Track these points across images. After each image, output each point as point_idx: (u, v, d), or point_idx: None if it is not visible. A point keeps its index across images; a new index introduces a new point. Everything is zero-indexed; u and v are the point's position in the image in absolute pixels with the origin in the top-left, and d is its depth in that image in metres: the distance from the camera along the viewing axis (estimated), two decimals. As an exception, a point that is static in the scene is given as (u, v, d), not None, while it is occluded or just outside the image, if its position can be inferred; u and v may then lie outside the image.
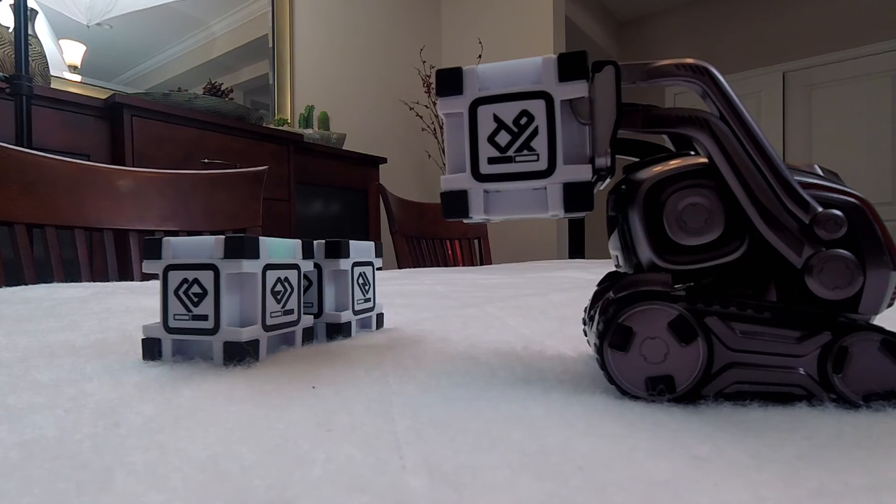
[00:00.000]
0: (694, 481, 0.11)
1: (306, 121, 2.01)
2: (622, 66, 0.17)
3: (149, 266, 0.23)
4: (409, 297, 0.51)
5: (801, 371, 0.15)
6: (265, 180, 0.97)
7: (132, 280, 0.80)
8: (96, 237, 0.80)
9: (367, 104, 2.66)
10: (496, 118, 0.18)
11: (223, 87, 1.73)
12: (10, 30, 1.27)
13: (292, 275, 0.25)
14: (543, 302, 0.44)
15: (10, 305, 0.41)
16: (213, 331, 0.22)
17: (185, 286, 0.22)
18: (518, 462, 0.12)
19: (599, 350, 0.17)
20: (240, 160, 1.58)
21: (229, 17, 2.07)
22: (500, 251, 2.63)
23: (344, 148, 2.10)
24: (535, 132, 0.18)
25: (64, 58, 1.60)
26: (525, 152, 0.18)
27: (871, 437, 0.13)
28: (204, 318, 0.22)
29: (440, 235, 1.56)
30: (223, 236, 0.22)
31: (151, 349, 0.23)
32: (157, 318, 0.23)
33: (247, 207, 0.95)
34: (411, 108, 2.80)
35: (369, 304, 0.31)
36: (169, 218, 0.86)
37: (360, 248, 0.30)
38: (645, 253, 0.17)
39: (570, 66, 0.17)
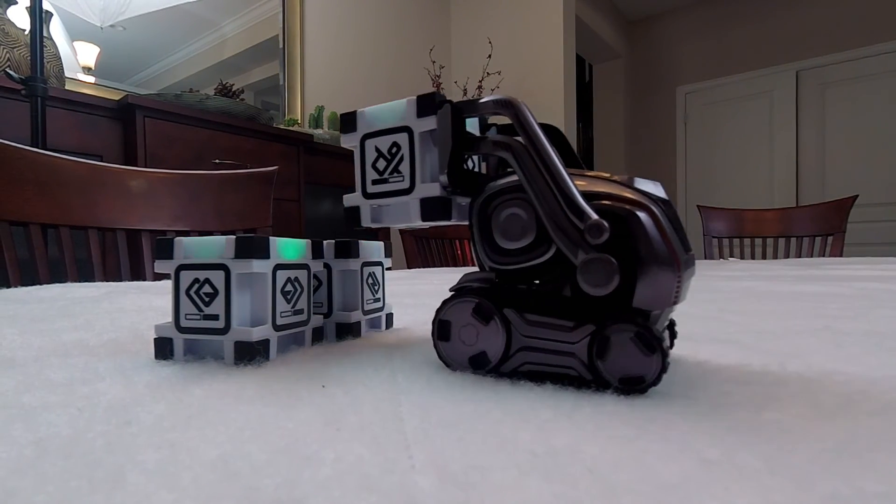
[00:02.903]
0: (704, 485, 0.11)
1: (316, 121, 2.02)
2: (458, 104, 0.21)
3: (161, 266, 0.23)
4: (419, 296, 0.51)
5: (575, 355, 0.18)
6: (275, 180, 0.98)
7: (144, 280, 0.81)
8: (109, 237, 0.81)
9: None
10: (377, 149, 0.23)
11: (234, 88, 1.75)
12: (26, 32, 1.30)
13: (302, 275, 0.25)
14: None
15: (25, 305, 0.41)
16: (224, 330, 0.22)
17: (197, 286, 0.23)
18: (527, 463, 0.12)
19: (434, 342, 0.21)
20: (250, 160, 1.60)
21: (240, 18, 2.08)
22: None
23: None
24: (402, 158, 0.22)
25: (78, 59, 1.63)
26: (395, 174, 0.22)
27: (886, 441, 0.13)
28: (215, 317, 0.22)
29: (449, 235, 1.56)
30: (234, 236, 0.22)
31: (163, 348, 0.23)
32: (169, 318, 0.23)
33: (257, 207, 0.96)
34: (420, 109, 2.80)
35: (379, 304, 0.31)
36: (180, 218, 0.87)
37: (370, 248, 0.30)
38: (481, 255, 0.21)
39: (424, 104, 0.22)
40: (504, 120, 0.21)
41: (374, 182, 0.23)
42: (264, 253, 0.22)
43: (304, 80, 2.27)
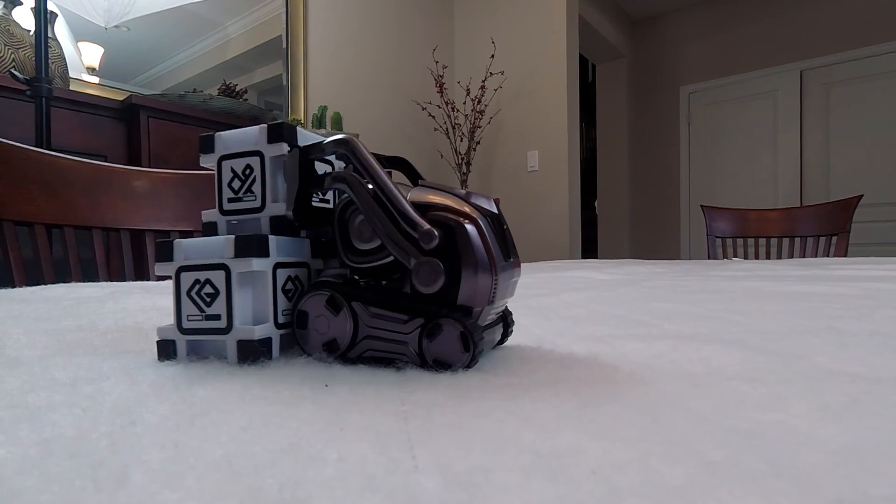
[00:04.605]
0: (708, 488, 0.11)
1: (319, 121, 2.02)
2: (304, 147, 0.24)
3: (161, 269, 0.23)
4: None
5: (407, 344, 0.21)
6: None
7: (148, 279, 0.81)
8: (113, 237, 0.81)
9: (380, 104, 2.67)
10: (232, 170, 0.25)
11: (237, 88, 1.75)
12: (31, 33, 1.30)
13: (302, 273, 0.25)
14: (555, 301, 0.44)
15: (30, 304, 0.42)
16: (226, 330, 0.22)
17: (198, 287, 0.23)
18: (531, 464, 0.12)
19: (293, 330, 0.23)
20: (253, 160, 1.60)
21: (243, 18, 2.09)
22: (510, 251, 2.61)
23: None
24: (254, 179, 0.25)
25: (82, 60, 1.63)
26: (249, 194, 0.25)
27: (891, 444, 0.13)
28: (217, 317, 0.22)
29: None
30: (233, 236, 0.22)
31: (166, 350, 0.23)
32: (172, 319, 0.23)
33: (259, 207, 0.96)
34: (423, 108, 2.80)
35: None
36: (184, 218, 0.87)
37: None
38: (340, 253, 0.23)
39: (274, 133, 0.25)
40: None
41: (230, 200, 0.26)
42: (263, 251, 0.22)
43: (308, 81, 2.28)
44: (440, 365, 0.20)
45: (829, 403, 0.16)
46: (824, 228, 1.49)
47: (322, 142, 0.23)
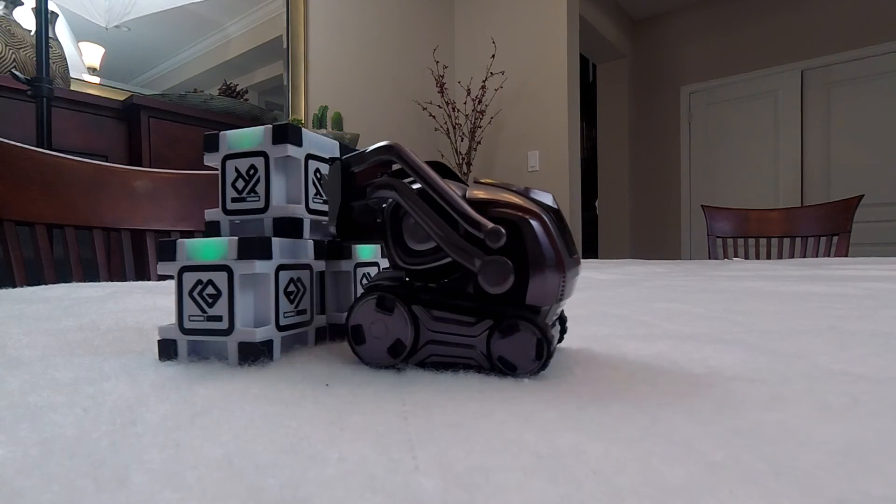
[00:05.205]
0: (709, 488, 0.11)
1: (320, 121, 2.03)
2: (346, 159, 0.22)
3: (163, 268, 0.23)
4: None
5: (475, 348, 0.20)
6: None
7: (149, 280, 0.81)
8: (114, 237, 0.81)
9: (381, 104, 2.67)
10: (236, 169, 0.25)
11: (238, 89, 1.76)
12: (32, 33, 1.30)
13: (305, 275, 0.25)
14: (555, 303, 0.44)
15: (31, 304, 0.42)
16: (228, 331, 0.22)
17: (200, 287, 0.23)
18: (531, 464, 0.12)
19: (351, 347, 0.22)
20: (253, 161, 1.60)
21: (244, 18, 2.09)
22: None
23: (357, 148, 2.11)
24: (258, 180, 0.25)
25: (83, 60, 1.63)
26: (252, 194, 0.25)
27: (892, 444, 0.13)
28: (218, 318, 0.22)
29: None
30: (236, 237, 0.22)
31: (167, 349, 0.23)
32: (173, 318, 0.23)
33: (260, 207, 0.96)
34: (424, 108, 2.80)
35: None
36: (185, 218, 0.87)
37: (364, 250, 0.30)
38: (393, 255, 0.22)
39: (279, 133, 0.24)
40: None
41: (234, 200, 0.25)
42: (266, 253, 0.22)
43: (308, 81, 2.28)
44: (507, 367, 0.20)
45: (831, 403, 0.16)
46: (825, 228, 1.49)
47: (364, 151, 0.22)
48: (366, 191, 0.22)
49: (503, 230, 0.19)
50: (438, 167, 0.26)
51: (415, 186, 0.21)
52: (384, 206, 0.23)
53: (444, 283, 0.21)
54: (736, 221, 1.63)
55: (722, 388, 0.18)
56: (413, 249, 0.22)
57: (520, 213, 0.20)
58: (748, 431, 0.14)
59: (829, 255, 1.44)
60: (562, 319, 0.24)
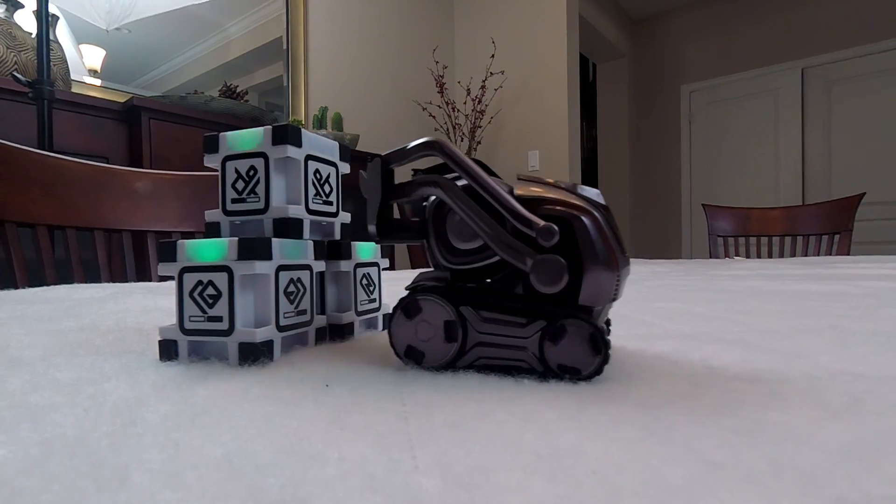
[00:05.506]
0: (709, 487, 0.11)
1: (320, 122, 2.03)
2: (386, 156, 0.22)
3: (164, 269, 0.24)
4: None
5: (527, 349, 0.19)
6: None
7: (150, 281, 0.81)
8: (115, 238, 0.81)
9: (381, 105, 2.67)
10: (236, 170, 0.25)
11: (238, 90, 1.76)
12: (33, 35, 1.31)
13: (304, 275, 0.25)
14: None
15: (32, 305, 0.42)
16: (228, 332, 0.22)
17: (200, 288, 0.23)
18: (531, 464, 0.12)
19: (389, 325, 0.21)
20: (254, 161, 1.60)
21: (244, 19, 2.09)
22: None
23: (357, 149, 2.11)
24: (258, 181, 0.25)
25: (84, 62, 1.64)
26: (252, 195, 0.25)
27: (893, 443, 0.13)
28: (219, 319, 0.22)
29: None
30: (236, 238, 0.22)
31: (168, 350, 0.23)
32: (174, 319, 0.23)
33: (261, 208, 0.96)
34: (424, 109, 2.80)
35: (374, 305, 0.31)
36: (186, 219, 0.88)
37: (364, 250, 0.30)
38: (436, 254, 0.22)
39: (278, 134, 0.24)
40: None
41: (234, 201, 0.25)
42: (266, 254, 0.22)
43: (308, 81, 2.28)
44: (565, 371, 0.19)
45: (831, 403, 0.16)
46: (826, 227, 1.49)
47: (405, 147, 0.21)
48: (404, 188, 0.22)
49: (556, 227, 0.18)
50: (480, 166, 0.25)
51: (459, 183, 0.20)
52: (425, 204, 0.23)
53: (489, 283, 0.21)
54: (737, 220, 1.62)
55: (722, 387, 0.18)
56: (458, 248, 0.21)
57: (571, 210, 0.19)
58: (748, 431, 0.14)
59: (830, 254, 1.44)
60: (607, 321, 0.24)
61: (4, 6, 1.29)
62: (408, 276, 0.85)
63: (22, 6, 1.33)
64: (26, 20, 1.36)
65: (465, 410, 0.16)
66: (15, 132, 1.20)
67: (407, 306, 0.21)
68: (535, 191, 0.20)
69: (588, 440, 0.13)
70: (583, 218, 0.19)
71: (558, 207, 0.19)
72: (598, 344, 0.18)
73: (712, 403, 0.16)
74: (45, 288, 0.54)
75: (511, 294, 0.20)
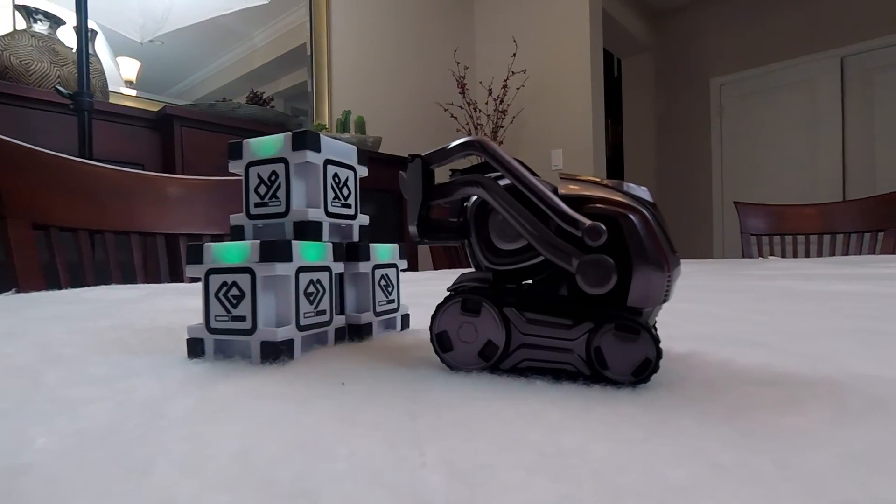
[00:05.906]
0: (712, 489, 0.11)
1: (343, 125, 2.06)
2: (427, 156, 0.21)
3: (192, 270, 0.25)
4: (440, 297, 0.51)
5: (573, 351, 0.19)
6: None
7: (182, 281, 0.84)
8: (149, 241, 0.85)
9: (403, 107, 2.69)
10: (259, 176, 0.26)
11: (264, 96, 1.80)
12: (73, 50, 1.38)
13: (324, 276, 0.26)
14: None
15: (72, 305, 0.44)
16: (251, 331, 0.23)
17: (225, 289, 0.24)
18: (535, 463, 0.12)
19: (438, 356, 0.21)
20: (280, 165, 1.64)
21: (269, 28, 2.15)
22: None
23: (380, 151, 2.13)
24: (279, 186, 0.26)
25: (121, 73, 1.71)
26: (274, 199, 0.26)
27: (913, 448, 0.12)
28: (242, 318, 0.23)
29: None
30: (258, 241, 0.23)
31: (195, 348, 0.24)
32: (201, 319, 0.25)
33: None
34: (446, 110, 2.81)
35: (393, 306, 0.32)
36: (215, 222, 0.91)
37: (383, 251, 0.31)
38: (478, 255, 0.22)
39: (298, 140, 0.25)
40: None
41: (256, 205, 0.26)
42: (287, 256, 0.23)
43: (332, 86, 2.32)
44: (622, 374, 0.18)
45: (850, 407, 0.16)
46: (869, 224, 1.42)
47: (445, 147, 0.21)
48: (445, 188, 0.21)
49: (603, 226, 0.18)
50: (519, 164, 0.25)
51: (501, 183, 0.20)
52: (466, 204, 0.22)
53: (533, 284, 0.21)
54: (771, 218, 1.56)
55: (738, 391, 0.18)
56: (501, 249, 0.21)
57: (618, 209, 0.19)
58: (760, 434, 0.14)
59: (874, 253, 1.37)
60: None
61: (48, 23, 1.36)
62: (430, 276, 0.86)
63: (63, 22, 1.41)
64: (67, 35, 1.43)
65: (473, 409, 0.16)
66: (58, 142, 1.26)
67: (468, 302, 0.21)
68: (580, 189, 0.20)
69: (593, 440, 0.13)
70: (630, 216, 0.18)
71: (605, 206, 0.19)
72: (651, 349, 0.18)
73: (725, 407, 0.16)
74: (84, 289, 0.57)
75: (555, 295, 0.20)
